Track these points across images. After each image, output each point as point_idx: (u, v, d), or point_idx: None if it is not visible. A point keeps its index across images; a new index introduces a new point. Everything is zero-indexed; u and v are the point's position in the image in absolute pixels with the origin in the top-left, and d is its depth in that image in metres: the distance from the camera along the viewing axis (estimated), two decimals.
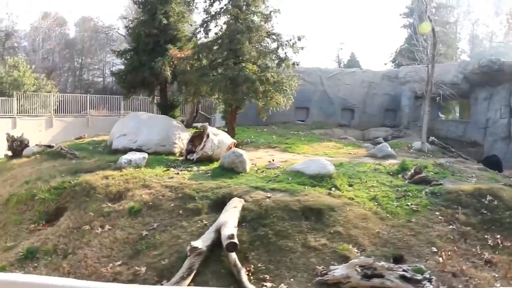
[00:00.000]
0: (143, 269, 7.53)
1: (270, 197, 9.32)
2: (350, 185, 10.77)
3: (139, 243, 8.19)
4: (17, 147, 13.57)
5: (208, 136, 12.03)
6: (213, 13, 14.37)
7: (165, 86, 17.48)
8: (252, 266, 7.66)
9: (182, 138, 13.34)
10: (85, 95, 23.63)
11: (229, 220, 8.12)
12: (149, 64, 15.64)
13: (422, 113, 23.88)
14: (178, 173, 10.64)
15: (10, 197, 9.82)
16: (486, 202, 9.98)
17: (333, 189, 10.24)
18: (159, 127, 13.39)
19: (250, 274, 7.48)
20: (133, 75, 16.17)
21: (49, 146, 13.06)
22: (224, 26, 14.28)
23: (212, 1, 14.48)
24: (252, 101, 14.92)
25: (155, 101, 18.35)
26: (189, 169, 11.34)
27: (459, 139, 21.84)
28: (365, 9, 72.92)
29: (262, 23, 14.84)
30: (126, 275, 7.51)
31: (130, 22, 17.73)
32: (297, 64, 15.58)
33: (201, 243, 7.54)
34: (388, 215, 9.36)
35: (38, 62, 32.58)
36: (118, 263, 7.80)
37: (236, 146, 15.60)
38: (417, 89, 21.57)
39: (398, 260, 8.16)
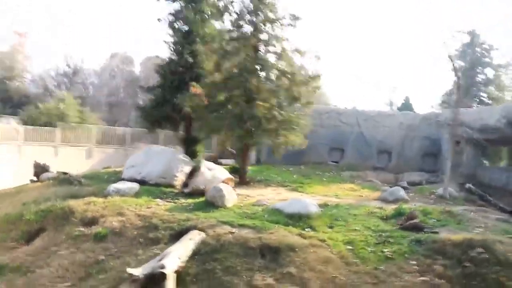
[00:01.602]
0: None
1: (233, 232, 9.28)
2: (331, 227, 10.41)
3: (92, 267, 8.50)
4: (41, 172, 14.81)
5: (200, 170, 12.32)
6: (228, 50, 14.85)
7: (190, 122, 18.22)
8: None
9: (184, 172, 13.73)
10: (126, 128, 25.26)
11: (174, 251, 8.20)
12: (172, 101, 16.50)
13: (464, 159, 22.50)
14: (159, 204, 10.98)
15: (4, 216, 10.71)
16: (474, 254, 9.11)
17: (308, 229, 9.98)
18: (164, 160, 13.94)
19: None
20: (157, 110, 17.13)
21: (64, 173, 14.09)
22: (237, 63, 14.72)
23: (228, 41, 15.04)
24: (262, 140, 15.05)
25: (178, 136, 19.12)
26: (176, 201, 11.65)
27: (503, 187, 20.08)
28: (418, 52, 71.46)
29: (278, 61, 15.11)
30: None
31: (162, 61, 18.92)
32: (311, 104, 15.55)
33: (138, 271, 7.67)
34: (356, 260, 8.88)
35: (103, 97, 35.52)
36: (67, 284, 8.14)
37: (247, 183, 15.79)
38: (463, 133, 20.42)
39: None
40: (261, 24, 14.62)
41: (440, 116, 23.13)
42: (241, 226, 9.67)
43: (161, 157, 14.19)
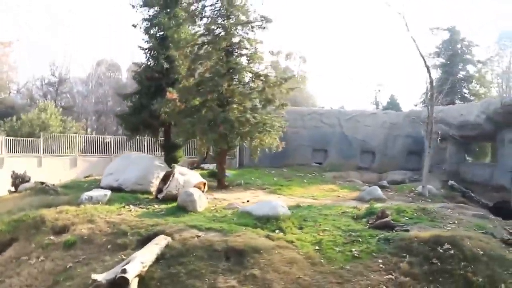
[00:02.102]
0: None
1: (199, 236, 9.35)
2: (300, 228, 10.47)
3: (60, 275, 8.54)
4: (19, 183, 14.83)
5: (173, 175, 12.38)
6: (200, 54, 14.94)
7: (169, 128, 18.28)
8: None
9: (160, 178, 13.78)
10: (110, 136, 25.26)
11: (138, 256, 8.26)
12: (149, 107, 16.56)
13: (447, 156, 22.64)
14: (130, 210, 11.04)
15: None
16: (441, 251, 9.21)
17: (277, 231, 10.05)
18: (140, 167, 14.00)
19: None
20: (135, 117, 17.18)
21: (42, 183, 14.11)
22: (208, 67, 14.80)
23: (200, 45, 15.12)
24: (236, 143, 15.14)
25: (159, 142, 19.16)
26: (149, 207, 11.70)
27: (485, 183, 20.20)
28: (403, 49, 71.98)
29: (250, 64, 15.20)
30: None
31: (138, 68, 18.98)
32: (285, 105, 15.64)
33: (102, 277, 7.73)
34: (322, 260, 8.94)
35: (91, 106, 35.48)
36: None
37: (226, 187, 15.86)
38: (439, 130, 20.53)
39: None
40: (233, 27, 14.71)
41: (422, 114, 23.23)
42: (208, 229, 9.74)
43: (138, 164, 14.26)
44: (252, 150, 15.87)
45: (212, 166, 20.16)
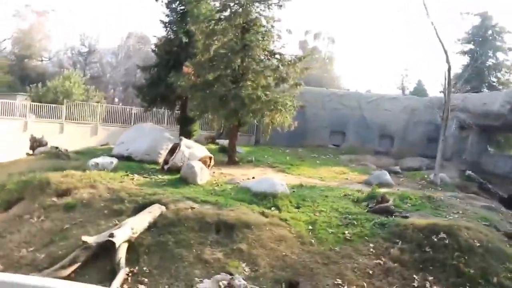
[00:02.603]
0: (42, 256, 8.21)
1: (194, 207, 9.49)
2: (298, 207, 10.48)
3: (56, 234, 8.86)
4: (36, 146, 15.38)
5: (179, 148, 12.56)
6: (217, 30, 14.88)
7: (185, 102, 18.42)
8: (137, 268, 7.92)
9: (168, 150, 13.99)
10: (131, 107, 25.75)
11: (130, 222, 8.49)
12: (166, 80, 16.71)
13: (468, 145, 21.97)
14: (133, 179, 11.29)
15: None
16: (435, 239, 9.06)
17: (272, 208, 10.09)
18: (150, 138, 14.24)
19: (131, 275, 7.74)
20: (152, 90, 17.40)
21: (56, 148, 14.59)
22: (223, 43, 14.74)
23: (217, 20, 15.04)
24: (246, 119, 15.14)
25: (175, 115, 19.37)
26: (153, 177, 11.94)
27: (506, 175, 19.54)
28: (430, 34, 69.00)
29: (265, 41, 15.03)
30: (29, 260, 8.23)
31: (159, 41, 19.11)
32: (299, 85, 15.47)
33: (92, 239, 8.02)
34: (313, 240, 8.98)
35: (119, 76, 36.10)
36: (31, 249, 8.53)
37: (236, 163, 15.96)
38: (461, 118, 19.89)
39: (293, 286, 7.83)
40: (249, 4, 14.55)
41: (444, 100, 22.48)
42: (204, 202, 9.87)
43: (149, 135, 14.50)
44: (264, 128, 15.86)
45: (227, 142, 20.33)
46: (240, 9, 14.57)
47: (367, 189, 13.12)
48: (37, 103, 22.02)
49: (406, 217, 10.28)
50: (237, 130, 16.13)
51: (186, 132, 18.58)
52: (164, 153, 13.89)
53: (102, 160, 12.17)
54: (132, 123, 24.12)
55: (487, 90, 27.48)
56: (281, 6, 14.79)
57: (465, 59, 30.76)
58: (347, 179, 15.15)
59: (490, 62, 30.39)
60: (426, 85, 34.05)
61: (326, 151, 21.53)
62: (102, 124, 23.76)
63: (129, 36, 38.48)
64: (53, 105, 22.21)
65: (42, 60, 36.52)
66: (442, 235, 9.17)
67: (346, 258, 8.56)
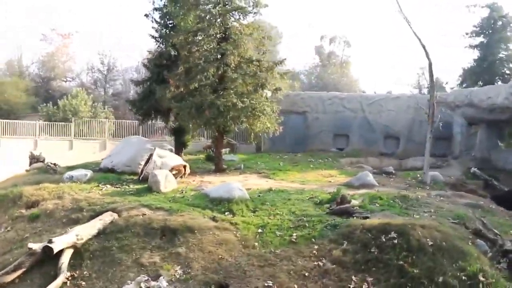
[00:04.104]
0: None
1: (145, 214, 9.78)
2: (254, 211, 10.50)
3: (15, 244, 9.44)
4: (34, 163, 16.29)
5: (151, 157, 12.95)
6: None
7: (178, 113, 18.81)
8: (78, 272, 8.31)
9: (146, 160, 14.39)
10: (136, 121, 26.54)
11: (76, 230, 8.92)
12: (156, 93, 17.23)
13: (477, 141, 21.05)
14: (101, 189, 11.76)
15: None
16: (384, 240, 8.84)
17: (226, 213, 10.19)
18: (132, 150, 14.74)
19: (71, 279, 8.14)
20: (144, 103, 17.98)
21: (48, 163, 15.37)
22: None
23: (195, 32, 15.36)
24: (230, 127, 15.36)
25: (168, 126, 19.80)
26: (125, 187, 12.36)
27: None
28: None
29: (240, 49, 15.16)
30: None
31: (151, 55, 19.72)
32: (279, 90, 15.50)
33: (37, 246, 8.48)
34: (257, 243, 9.01)
35: None
36: None
37: (223, 170, 16.15)
38: (468, 114, 19.09)
39: None
40: (223, 15, 14.82)
41: (449, 97, 21.70)
42: (158, 208, 10.12)
43: (131, 146, 15.03)
44: (248, 135, 15.99)
45: (223, 150, 20.60)
46: (216, 20, 14.85)
47: (347, 191, 12.95)
48: (47, 122, 23.30)
49: (367, 217, 10.06)
50: (222, 138, 16.36)
51: (180, 142, 19.03)
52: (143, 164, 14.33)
53: (76, 173, 12.76)
54: (147, 137, 24.94)
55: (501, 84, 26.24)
56: (256, 13, 14.98)
57: (474, 53, 29.58)
58: (330, 181, 14.95)
59: (502, 54, 28.98)
60: (444, 82, 32.85)
61: (327, 154, 21.28)
62: (110, 139, 24.73)
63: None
64: (62, 123, 23.43)
65: (66, 81, 38.57)
66: (393, 234, 8.92)
67: (285, 260, 8.52)
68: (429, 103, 15.16)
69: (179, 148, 19.19)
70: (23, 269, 8.29)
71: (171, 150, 20.03)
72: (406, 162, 20.36)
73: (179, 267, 8.29)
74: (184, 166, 13.57)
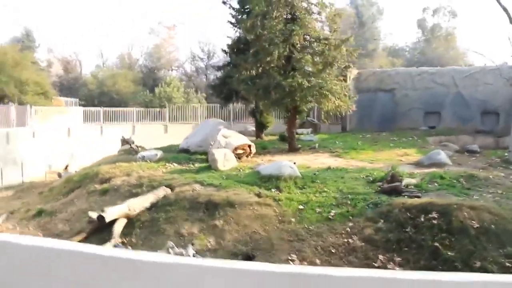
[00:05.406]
0: (69, 229, 10.28)
1: (195, 190, 10.49)
2: (302, 188, 10.52)
3: (85, 213, 10.85)
4: (125, 146, 18.18)
5: (217, 138, 13.69)
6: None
7: None
8: (127, 239, 9.39)
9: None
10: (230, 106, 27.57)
11: (130, 202, 9.98)
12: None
13: None
14: (167, 168, 12.78)
15: (66, 178, 14.08)
16: (422, 220, 8.43)
17: (273, 189, 10.39)
18: (205, 131, 15.63)
19: (120, 245, 9.21)
20: (224, 87, 18.79)
21: (137, 146, 17.03)
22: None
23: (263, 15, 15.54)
24: (302, 107, 15.42)
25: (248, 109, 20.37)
26: (190, 165, 13.24)
27: None
28: None
29: (309, 29, 15.01)
30: (59, 230, 10.38)
31: (231, 41, 20.37)
32: (348, 68, 15.05)
33: (96, 214, 9.71)
34: (294, 219, 9.16)
35: None
36: (67, 224, 10.73)
37: (296, 150, 16.28)
38: None
39: (249, 258, 8.27)
40: None
41: None
42: (209, 185, 10.71)
43: (206, 128, 15.94)
44: (323, 114, 15.90)
45: (305, 131, 20.69)
46: (283, 1, 14.89)
47: (414, 170, 12.35)
48: (144, 108, 25.61)
49: (417, 196, 9.58)
50: (293, 118, 16.45)
51: (260, 124, 19.56)
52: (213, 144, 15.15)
53: (148, 153, 13.99)
54: (231, 120, 26.12)
55: None
56: None
57: None
58: (401, 160, 14.24)
59: None
60: None
61: (414, 133, 20.02)
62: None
63: None
64: (157, 109, 25.56)
65: (171, 70, 41.63)
66: (433, 214, 8.43)
67: (315, 236, 8.58)
68: None
69: (260, 129, 19.75)
70: (85, 235, 9.60)
71: (252, 132, 20.84)
72: (504, 140, 18.30)
73: (212, 237, 8.85)
74: (249, 146, 14.03)
